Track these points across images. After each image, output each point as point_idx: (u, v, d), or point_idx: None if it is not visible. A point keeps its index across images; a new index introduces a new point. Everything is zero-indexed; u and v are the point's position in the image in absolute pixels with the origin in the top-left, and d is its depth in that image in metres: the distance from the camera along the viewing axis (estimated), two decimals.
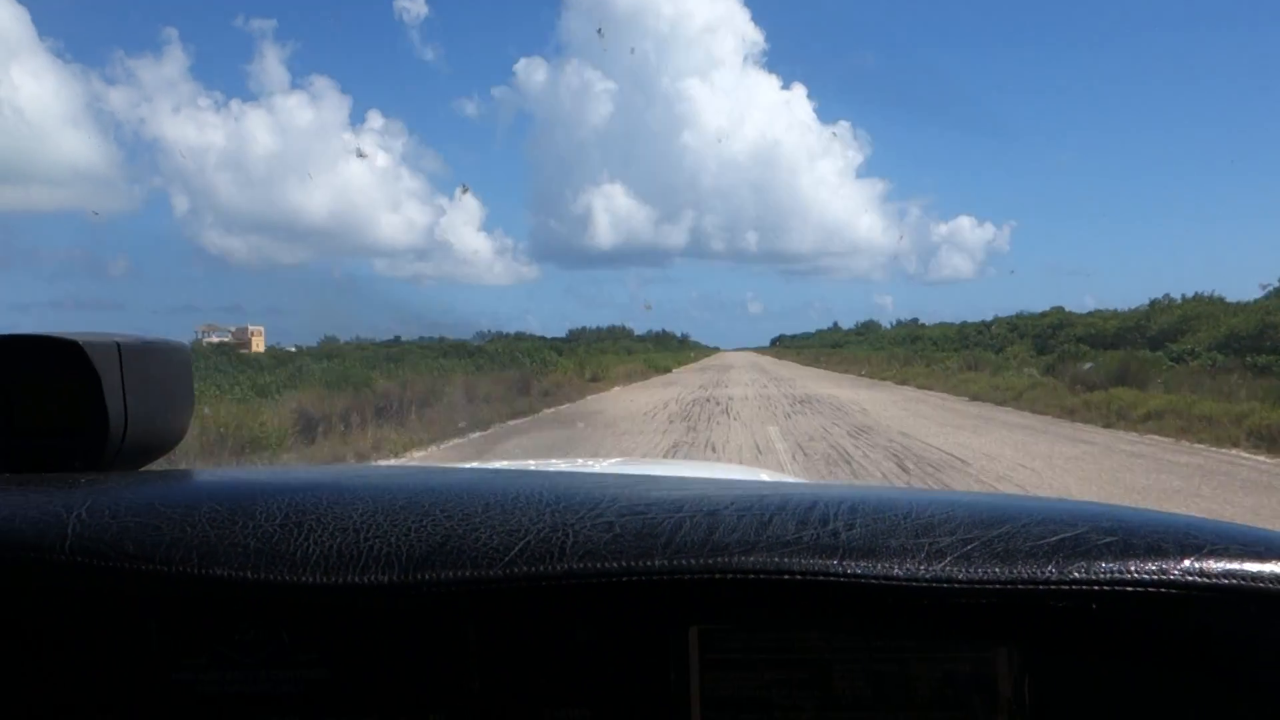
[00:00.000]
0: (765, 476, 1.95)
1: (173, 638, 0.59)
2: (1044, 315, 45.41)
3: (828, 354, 66.48)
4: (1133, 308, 36.45)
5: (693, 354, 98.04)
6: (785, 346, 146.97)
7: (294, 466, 1.02)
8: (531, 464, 2.18)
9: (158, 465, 0.79)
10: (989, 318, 53.67)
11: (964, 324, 58.40)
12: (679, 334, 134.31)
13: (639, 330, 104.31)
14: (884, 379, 32.86)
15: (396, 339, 39.65)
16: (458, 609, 0.54)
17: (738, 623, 0.56)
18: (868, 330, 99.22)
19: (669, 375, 40.70)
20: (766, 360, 75.69)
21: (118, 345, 0.72)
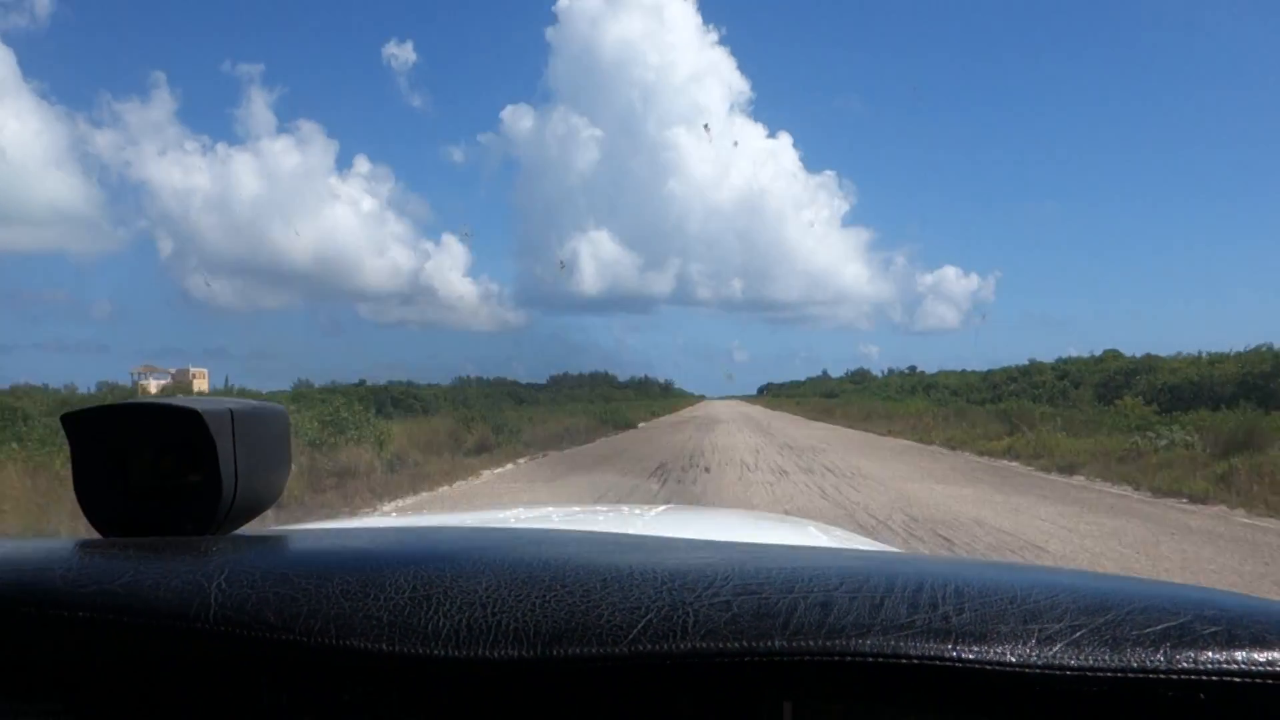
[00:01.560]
0: (814, 530, 1.87)
1: (306, 707, 0.59)
2: (1100, 360, 38.23)
3: (827, 405, 58.37)
4: (1250, 347, 28.36)
5: (675, 402, 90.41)
6: (775, 395, 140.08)
7: (405, 528, 0.94)
8: (579, 511, 2.15)
9: (256, 524, 0.82)
10: (990, 366, 46.95)
11: (991, 371, 51.14)
12: (661, 380, 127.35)
13: (622, 376, 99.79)
14: (971, 449, 21.18)
15: (361, 382, 37.13)
16: (582, 684, 0.54)
17: (846, 701, 0.55)
18: (862, 379, 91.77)
19: (611, 444, 24.66)
20: (759, 411, 64.17)
21: (230, 412, 0.75)
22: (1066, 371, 38.99)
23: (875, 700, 0.53)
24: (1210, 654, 0.49)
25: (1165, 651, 0.50)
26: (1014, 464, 17.54)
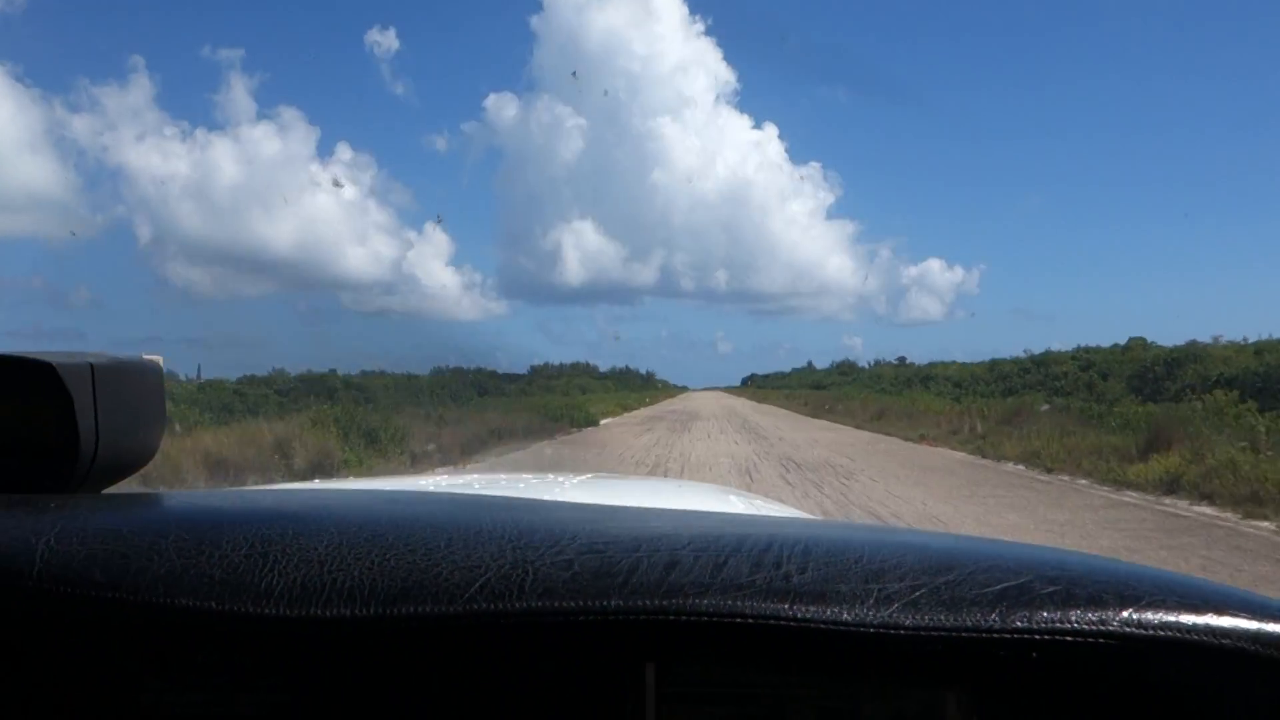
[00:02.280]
0: (735, 499, 1.87)
1: (136, 660, 0.59)
2: (1126, 349, 34.27)
3: (819, 398, 53.76)
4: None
5: (653, 394, 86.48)
6: (759, 386, 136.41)
7: (261, 490, 0.93)
8: (502, 478, 2.19)
9: (129, 483, 0.79)
10: (973, 359, 43.14)
11: (997, 360, 47.17)
12: (643, 371, 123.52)
13: (604, 367, 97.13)
14: (1098, 475, 13.44)
15: (332, 371, 34.39)
16: (418, 642, 0.54)
17: (695, 661, 0.56)
18: (850, 370, 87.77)
19: (543, 455, 18.93)
20: (744, 405, 59.63)
21: (91, 365, 0.72)
22: (1090, 362, 34.93)
23: (724, 660, 0.54)
24: (1045, 613, 0.50)
25: (1001, 611, 0.50)
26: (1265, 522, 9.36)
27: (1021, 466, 15.68)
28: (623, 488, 2.05)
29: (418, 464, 15.11)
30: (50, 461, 0.71)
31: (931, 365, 51.13)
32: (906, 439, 22.95)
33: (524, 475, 2.32)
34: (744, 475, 14.15)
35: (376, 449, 15.78)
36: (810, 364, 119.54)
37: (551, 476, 2.09)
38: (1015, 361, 42.76)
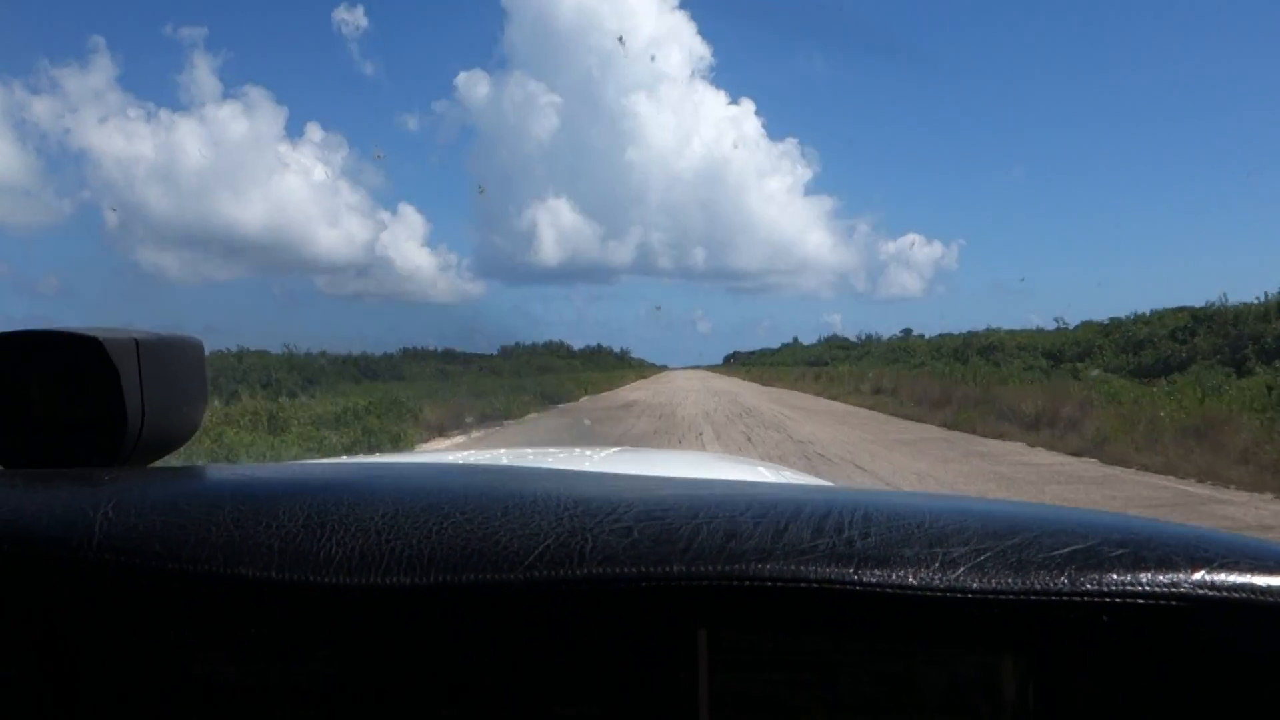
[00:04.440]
0: (764, 470, 1.86)
1: (191, 630, 0.59)
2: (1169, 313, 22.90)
3: (834, 376, 39.92)
4: None
5: (626, 375, 74.39)
6: (743, 364, 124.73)
7: (311, 464, 0.93)
8: (530, 453, 2.12)
9: (172, 459, 0.80)
10: (940, 332, 31.23)
11: (1062, 327, 35.46)
12: (616, 349, 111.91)
13: (576, 346, 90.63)
14: None
15: (322, 352, 33.50)
16: (477, 611, 0.55)
17: (753, 627, 0.55)
18: (848, 346, 75.62)
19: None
20: (738, 389, 43.96)
21: (135, 341, 0.73)
22: (1173, 325, 23.72)
23: (783, 625, 0.53)
24: (1115, 576, 0.49)
25: (1070, 574, 0.50)
26: None
27: None
28: (654, 459, 2.06)
29: None
30: (98, 436, 0.72)
31: (990, 332, 38.53)
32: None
33: (550, 449, 2.30)
34: None
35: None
36: (796, 339, 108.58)
37: (578, 450, 2.09)
38: (1072, 331, 31.41)
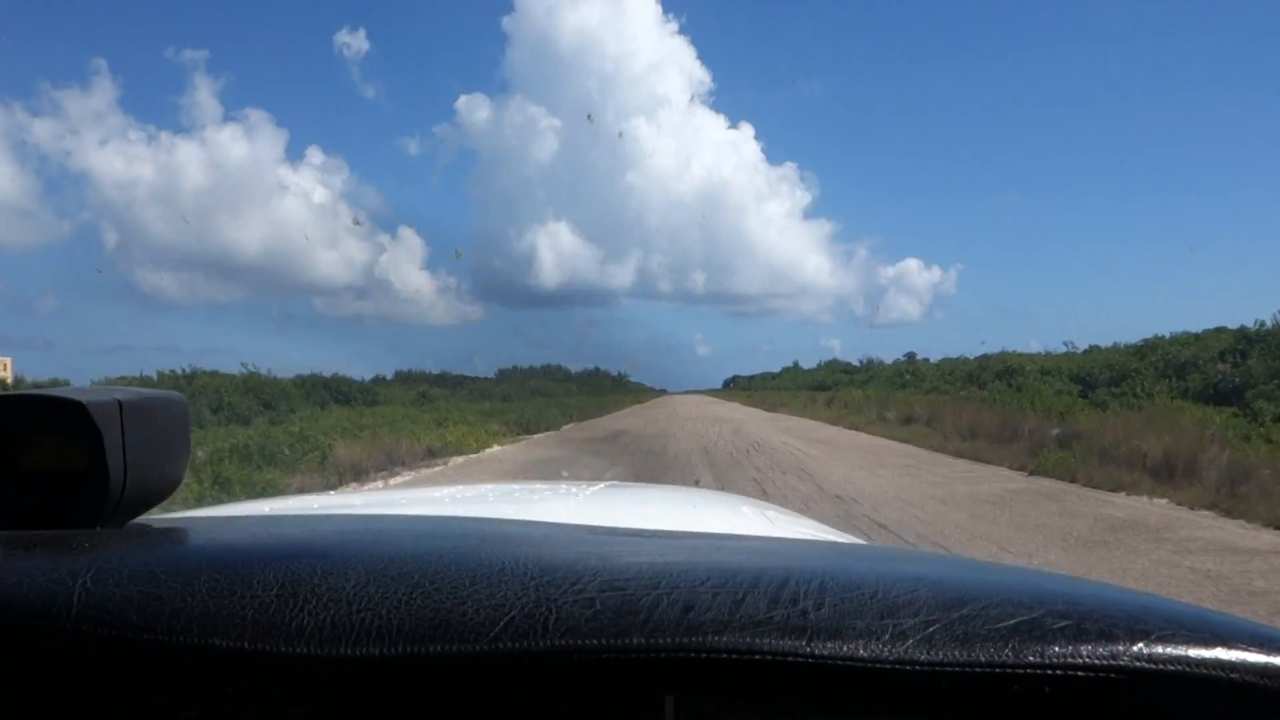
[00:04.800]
0: (748, 510, 1.86)
1: (168, 690, 0.60)
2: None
3: (857, 404, 37.73)
4: None
5: (622, 400, 71.95)
6: (743, 389, 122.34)
7: (288, 519, 0.92)
8: (516, 489, 2.19)
9: (155, 512, 0.82)
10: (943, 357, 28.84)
11: (1071, 351, 33.26)
12: (614, 373, 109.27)
13: (575, 369, 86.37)
14: None
15: (337, 375, 32.67)
16: (444, 681, 0.56)
17: (714, 696, 0.56)
18: (851, 371, 73.04)
19: None
20: (735, 412, 42.56)
21: (119, 403, 0.74)
22: (1210, 347, 20.99)
23: (744, 695, 0.54)
24: (1057, 648, 0.50)
25: (1014, 646, 0.51)
26: None
27: None
28: (636, 498, 2.12)
29: None
30: (80, 495, 0.73)
31: (1007, 355, 35.96)
32: None
33: (537, 485, 2.45)
34: None
35: None
36: (796, 364, 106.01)
37: (564, 487, 2.14)
38: (1126, 350, 28.97)
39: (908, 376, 45.98)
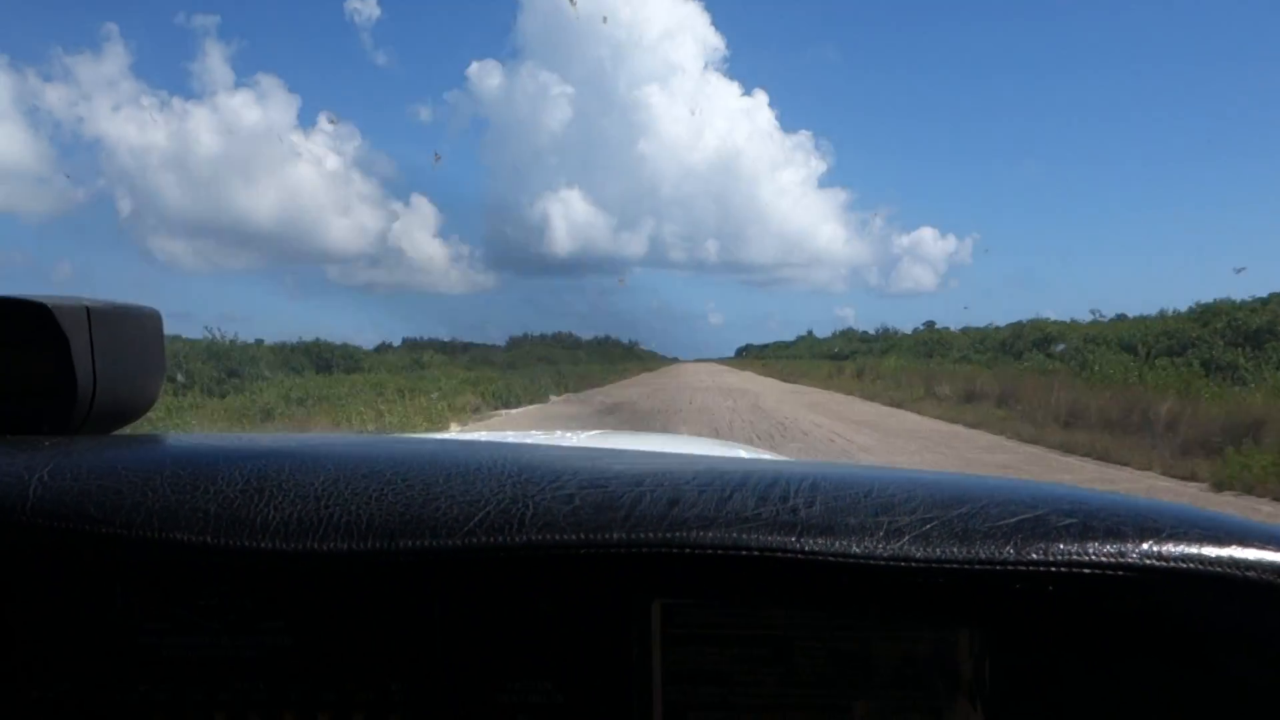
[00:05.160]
0: (743, 453, 1.89)
1: (137, 602, 0.59)
2: None
3: (867, 372, 34.38)
4: None
5: (629, 367, 69.65)
6: (756, 357, 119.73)
7: (260, 434, 0.89)
8: (510, 435, 2.20)
9: (129, 430, 0.79)
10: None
11: (1098, 319, 30.58)
12: (625, 341, 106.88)
13: (585, 337, 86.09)
14: None
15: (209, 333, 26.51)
16: (418, 578, 0.55)
17: (700, 598, 0.56)
18: (869, 340, 70.21)
19: None
20: (750, 382, 38.68)
21: (87, 309, 0.71)
22: None
23: (730, 594, 0.53)
24: (1062, 545, 0.49)
25: (1016, 543, 0.50)
26: None
27: None
28: (632, 440, 2.08)
29: None
30: (48, 405, 0.71)
31: (1043, 322, 32.98)
32: None
33: (534, 432, 2.43)
34: None
35: None
36: (811, 333, 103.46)
37: (559, 433, 2.20)
38: (1179, 315, 26.29)
39: (932, 345, 43.32)
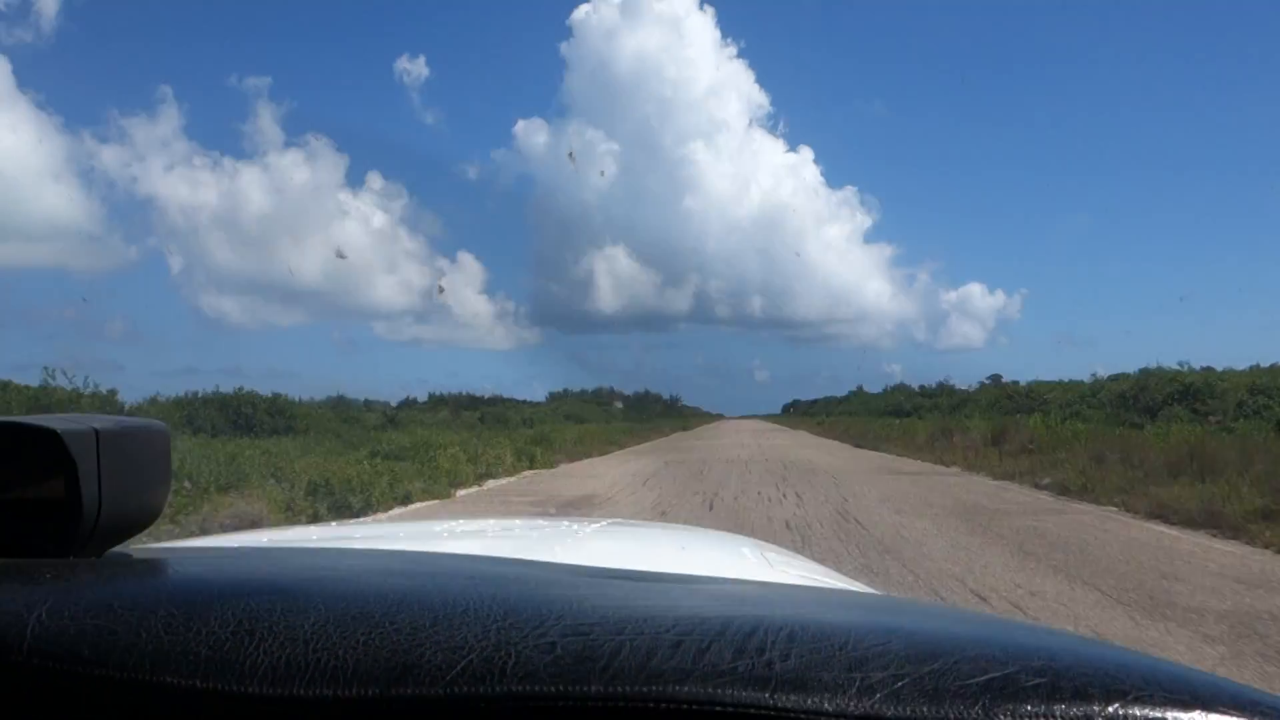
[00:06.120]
0: (748, 551, 1.85)
1: None
2: None
3: (1010, 432, 27.08)
4: None
5: (665, 425, 62.87)
6: (803, 414, 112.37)
7: (259, 552, 0.91)
8: (518, 524, 2.25)
9: (136, 541, 0.82)
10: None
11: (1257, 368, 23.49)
12: (666, 396, 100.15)
13: (628, 392, 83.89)
14: None
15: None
16: None
17: None
18: (931, 395, 62.77)
19: None
20: (808, 450, 29.96)
21: (95, 432, 0.73)
22: None
23: None
24: (1030, 706, 0.48)
25: (984, 703, 0.49)
26: None
27: None
28: (636, 535, 2.10)
29: None
30: (53, 525, 0.73)
31: (1181, 372, 25.63)
32: None
33: (539, 521, 2.37)
34: None
35: None
36: (861, 389, 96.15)
37: (566, 524, 2.14)
38: None
39: (1021, 400, 36.20)
